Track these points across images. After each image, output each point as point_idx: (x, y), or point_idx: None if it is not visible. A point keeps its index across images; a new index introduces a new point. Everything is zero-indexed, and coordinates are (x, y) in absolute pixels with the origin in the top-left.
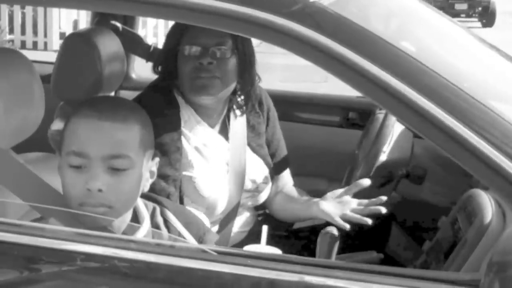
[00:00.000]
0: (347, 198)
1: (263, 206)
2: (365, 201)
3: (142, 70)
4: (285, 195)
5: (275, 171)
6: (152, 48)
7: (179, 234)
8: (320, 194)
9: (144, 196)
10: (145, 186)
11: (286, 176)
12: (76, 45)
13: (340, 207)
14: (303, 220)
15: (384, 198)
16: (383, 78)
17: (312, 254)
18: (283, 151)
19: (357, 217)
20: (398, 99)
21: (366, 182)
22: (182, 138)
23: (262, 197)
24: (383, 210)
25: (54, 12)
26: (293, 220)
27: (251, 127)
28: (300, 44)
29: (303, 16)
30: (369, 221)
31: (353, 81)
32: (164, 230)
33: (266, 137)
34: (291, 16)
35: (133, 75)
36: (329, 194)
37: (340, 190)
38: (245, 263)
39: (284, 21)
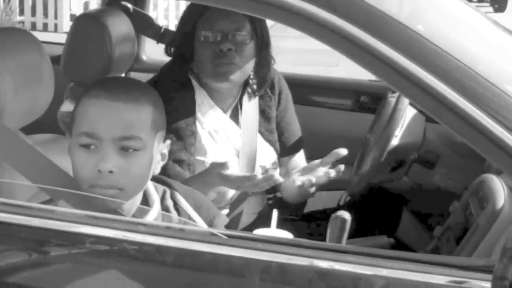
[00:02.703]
0: (317, 168)
1: (273, 190)
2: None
3: (153, 52)
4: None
5: (284, 153)
6: (163, 30)
7: (189, 217)
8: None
9: (154, 179)
10: (156, 169)
11: (299, 160)
12: (86, 26)
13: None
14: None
15: (343, 151)
16: (396, 60)
17: (323, 238)
18: (294, 134)
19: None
20: (412, 81)
21: (343, 151)
22: (197, 122)
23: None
24: (332, 173)
25: None
26: (297, 198)
27: (261, 111)
28: (312, 24)
29: None
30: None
31: (366, 63)
32: (174, 213)
33: (277, 120)
34: None
35: (144, 57)
36: (306, 165)
37: (317, 161)
38: (255, 247)
39: (296, 1)
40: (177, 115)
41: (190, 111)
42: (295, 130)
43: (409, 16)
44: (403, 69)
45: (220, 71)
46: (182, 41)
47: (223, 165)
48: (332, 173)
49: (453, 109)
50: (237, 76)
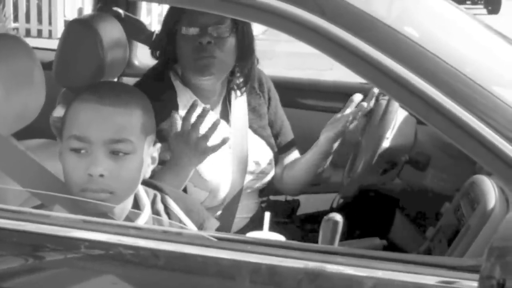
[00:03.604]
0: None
1: (266, 193)
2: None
3: (146, 57)
4: (290, 164)
5: (280, 150)
6: (154, 35)
7: (180, 221)
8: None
9: (145, 182)
10: (147, 172)
11: (294, 157)
12: (78, 31)
13: (336, 124)
14: (316, 174)
15: (357, 97)
16: (384, 62)
17: (316, 241)
18: (287, 131)
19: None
20: (399, 83)
21: (357, 97)
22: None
23: (267, 179)
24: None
25: (59, 0)
26: (307, 181)
27: (252, 109)
28: (300, 27)
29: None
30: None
31: (353, 66)
32: (164, 216)
33: (269, 117)
34: (290, 0)
35: (136, 62)
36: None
37: (339, 115)
38: (245, 249)
39: (283, 4)
40: (158, 117)
41: (172, 112)
42: (288, 127)
43: (397, 18)
44: (391, 71)
45: (201, 64)
46: (165, 40)
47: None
48: (364, 105)
49: (441, 111)
50: (218, 70)
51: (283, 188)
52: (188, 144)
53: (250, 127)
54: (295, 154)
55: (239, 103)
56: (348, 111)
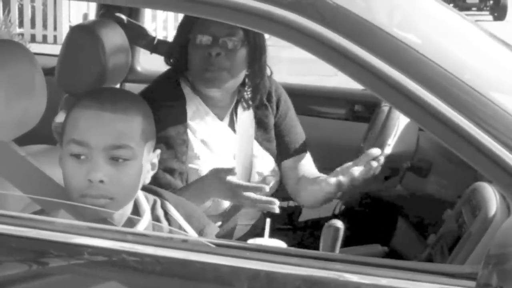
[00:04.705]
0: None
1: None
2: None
3: (148, 63)
4: (305, 179)
5: (286, 155)
6: (156, 41)
7: (180, 227)
8: None
9: (145, 188)
10: (146, 178)
11: (307, 164)
12: (80, 37)
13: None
14: (331, 199)
15: (376, 151)
16: (382, 69)
17: (317, 247)
18: (296, 137)
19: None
20: (398, 90)
21: (376, 151)
22: (188, 130)
23: (270, 191)
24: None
25: (64, 5)
26: (321, 202)
27: (258, 120)
28: (300, 35)
29: (302, 6)
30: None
31: (352, 72)
32: (164, 222)
33: (277, 126)
34: (290, 7)
35: (138, 68)
36: (339, 168)
37: (350, 163)
38: (244, 256)
39: (283, 11)
40: (167, 124)
41: (181, 120)
42: (298, 133)
43: (396, 25)
44: (390, 78)
45: (209, 76)
46: (178, 47)
47: (228, 171)
48: (375, 163)
49: (439, 118)
50: (226, 82)
51: (302, 203)
52: (223, 182)
53: (256, 139)
54: (306, 161)
55: (246, 114)
56: (360, 165)
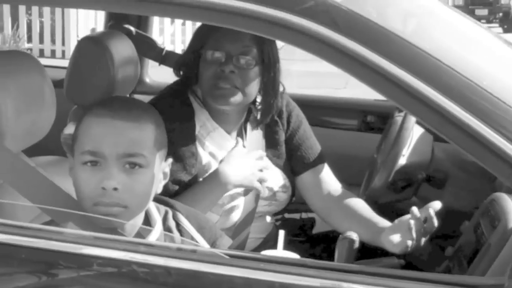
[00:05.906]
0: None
1: (281, 211)
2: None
3: (157, 75)
4: (348, 208)
5: (301, 168)
6: (164, 52)
7: (192, 238)
8: None
9: (156, 199)
10: (158, 188)
11: (327, 177)
12: (89, 48)
13: (407, 235)
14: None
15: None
16: (400, 77)
17: (332, 259)
18: (312, 150)
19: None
20: (416, 97)
21: (437, 205)
22: (197, 143)
23: (280, 206)
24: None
25: (72, 20)
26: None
27: (267, 138)
28: (314, 41)
29: (316, 13)
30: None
31: (369, 80)
32: (176, 233)
33: (288, 141)
34: (304, 14)
35: (147, 79)
36: (396, 223)
37: (407, 217)
38: (258, 267)
39: (297, 18)
40: (175, 136)
41: (190, 132)
42: (312, 146)
43: (413, 32)
44: (408, 85)
45: (220, 93)
46: (189, 60)
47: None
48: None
49: (458, 125)
50: (237, 100)
51: (328, 222)
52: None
53: (266, 155)
54: (325, 174)
55: (255, 132)
56: (412, 223)
